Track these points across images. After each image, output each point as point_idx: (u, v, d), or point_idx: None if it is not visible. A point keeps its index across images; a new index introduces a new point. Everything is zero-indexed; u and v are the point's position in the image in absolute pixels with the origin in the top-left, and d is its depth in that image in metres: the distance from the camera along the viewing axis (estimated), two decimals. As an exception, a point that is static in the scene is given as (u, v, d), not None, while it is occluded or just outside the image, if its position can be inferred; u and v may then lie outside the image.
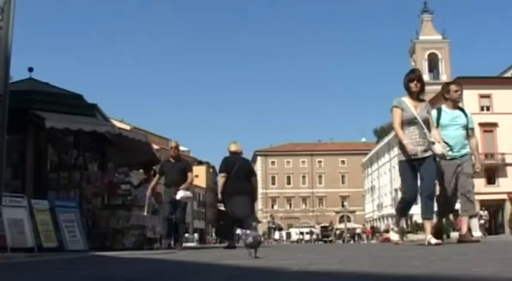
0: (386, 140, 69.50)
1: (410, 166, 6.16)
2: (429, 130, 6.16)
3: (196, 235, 55.81)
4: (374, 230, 46.72)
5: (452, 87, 7.24)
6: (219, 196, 9.37)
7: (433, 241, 6.05)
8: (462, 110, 7.26)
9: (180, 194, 9.12)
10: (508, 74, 48.12)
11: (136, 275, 3.34)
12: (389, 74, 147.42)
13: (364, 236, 51.93)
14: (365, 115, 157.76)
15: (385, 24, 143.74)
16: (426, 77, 54.96)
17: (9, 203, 7.60)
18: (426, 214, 6.30)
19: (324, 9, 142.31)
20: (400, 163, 6.36)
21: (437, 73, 55.09)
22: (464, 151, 6.96)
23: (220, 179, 9.40)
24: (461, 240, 7.13)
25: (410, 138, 6.11)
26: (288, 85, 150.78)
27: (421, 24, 55.85)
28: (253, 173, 9.84)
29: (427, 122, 6.20)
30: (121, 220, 10.29)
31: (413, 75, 6.36)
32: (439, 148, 6.01)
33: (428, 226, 6.37)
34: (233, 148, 9.43)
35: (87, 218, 9.97)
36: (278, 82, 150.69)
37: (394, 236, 7.63)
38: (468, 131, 7.14)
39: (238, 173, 9.11)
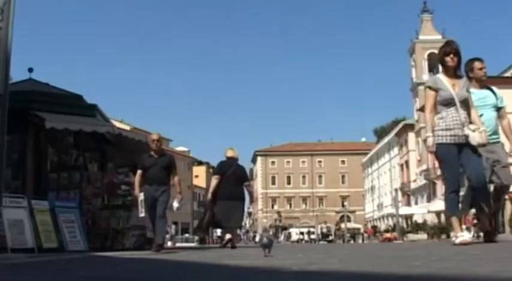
0: (386, 139, 69.49)
1: (452, 150, 5.36)
2: (469, 112, 5.45)
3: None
4: (375, 230, 46.66)
5: (476, 64, 6.33)
6: (209, 196, 9.74)
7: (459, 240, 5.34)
8: (490, 88, 6.52)
9: (176, 206, 8.45)
10: (508, 74, 48.09)
11: (137, 275, 3.34)
12: (389, 73, 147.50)
13: (364, 235, 51.93)
14: (365, 115, 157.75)
15: (385, 24, 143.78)
16: (426, 77, 54.96)
17: (9, 204, 7.61)
18: (462, 208, 5.58)
19: (324, 10, 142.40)
20: (440, 146, 5.41)
21: (437, 73, 54.95)
22: (495, 137, 6.14)
23: (213, 181, 9.72)
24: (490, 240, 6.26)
25: (449, 122, 5.37)
26: (288, 85, 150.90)
27: (421, 24, 55.80)
28: (246, 179, 10.11)
29: (466, 102, 5.47)
30: (121, 221, 10.29)
31: (450, 47, 5.56)
32: (476, 137, 5.28)
33: (457, 222, 5.56)
34: (230, 153, 9.85)
35: (87, 219, 9.98)
36: (278, 82, 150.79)
37: (463, 236, 5.61)
38: (499, 111, 6.37)
39: (232, 177, 9.44)
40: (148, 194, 8.10)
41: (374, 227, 49.54)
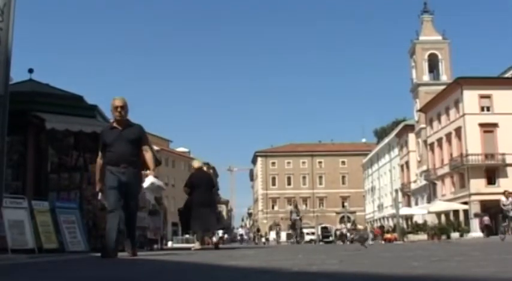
0: (386, 140, 69.45)
1: None
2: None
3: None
4: (383, 230, 45.85)
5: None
6: (182, 207, 10.79)
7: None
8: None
9: (150, 180, 6.64)
10: (508, 75, 48.07)
11: (137, 276, 3.34)
12: (390, 74, 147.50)
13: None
14: (365, 116, 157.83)
15: (385, 24, 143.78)
16: (426, 77, 54.92)
17: (9, 205, 7.61)
18: None
19: (324, 10, 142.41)
20: None
21: (437, 74, 54.97)
22: None
23: (185, 192, 10.78)
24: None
25: None
26: (288, 85, 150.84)
27: (421, 25, 55.74)
28: (213, 185, 11.23)
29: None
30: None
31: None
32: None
33: None
34: (196, 164, 11.18)
35: (87, 219, 9.98)
36: (278, 83, 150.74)
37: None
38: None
39: (202, 186, 10.60)
40: (113, 179, 6.33)
41: (381, 227, 49.22)
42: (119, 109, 6.48)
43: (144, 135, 6.66)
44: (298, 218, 22.55)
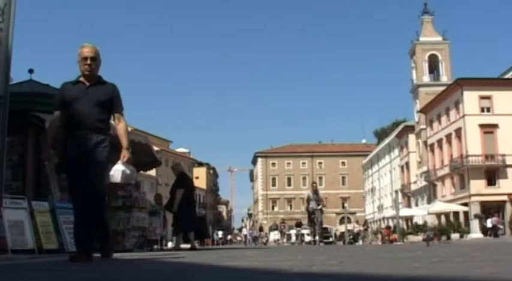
0: (386, 141, 69.44)
1: None
2: None
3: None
4: (394, 230, 44.57)
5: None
6: (175, 206, 11.04)
7: None
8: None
9: (119, 171, 5.10)
10: (508, 76, 48.07)
11: (138, 276, 3.33)
12: (390, 75, 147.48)
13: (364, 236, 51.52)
14: (365, 116, 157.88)
15: (386, 25, 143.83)
16: (427, 78, 54.91)
17: (9, 205, 7.61)
18: None
19: (324, 10, 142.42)
20: None
21: (437, 74, 54.98)
22: None
23: (179, 193, 11.07)
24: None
25: None
26: (289, 86, 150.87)
27: (421, 26, 55.73)
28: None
29: None
30: (121, 222, 10.29)
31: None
32: None
33: None
34: (183, 167, 12.35)
35: (87, 220, 9.96)
36: (279, 83, 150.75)
37: None
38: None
39: (191, 188, 11.52)
40: (71, 150, 4.90)
41: (388, 228, 49.03)
42: (88, 61, 4.99)
43: (117, 98, 5.12)
44: (318, 208, 15.72)
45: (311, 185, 17.48)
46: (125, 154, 5.10)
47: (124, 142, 5.12)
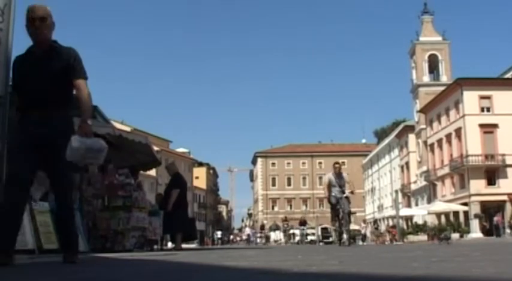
0: (386, 141, 69.46)
1: None
2: None
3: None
4: (403, 231, 42.83)
5: None
6: (170, 207, 11.16)
7: None
8: None
9: (77, 141, 4.06)
10: (508, 75, 48.09)
11: (137, 276, 3.33)
12: (390, 75, 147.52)
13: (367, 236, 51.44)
14: (365, 116, 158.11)
15: (385, 25, 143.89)
16: (426, 78, 54.93)
17: (9, 205, 7.59)
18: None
19: (324, 10, 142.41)
20: None
21: (437, 74, 55.02)
22: None
23: (175, 194, 11.25)
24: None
25: None
26: (289, 86, 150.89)
27: (421, 25, 55.75)
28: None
29: None
30: (121, 222, 10.29)
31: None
32: None
33: None
34: (177, 168, 12.42)
35: (87, 220, 9.97)
36: (279, 83, 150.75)
37: None
38: None
39: (185, 189, 11.65)
40: (25, 134, 4.17)
41: (393, 227, 48.98)
42: (36, 23, 4.10)
43: (76, 62, 4.26)
44: (343, 195, 11.64)
45: (333, 166, 12.35)
46: (81, 126, 4.13)
47: (84, 114, 4.20)
